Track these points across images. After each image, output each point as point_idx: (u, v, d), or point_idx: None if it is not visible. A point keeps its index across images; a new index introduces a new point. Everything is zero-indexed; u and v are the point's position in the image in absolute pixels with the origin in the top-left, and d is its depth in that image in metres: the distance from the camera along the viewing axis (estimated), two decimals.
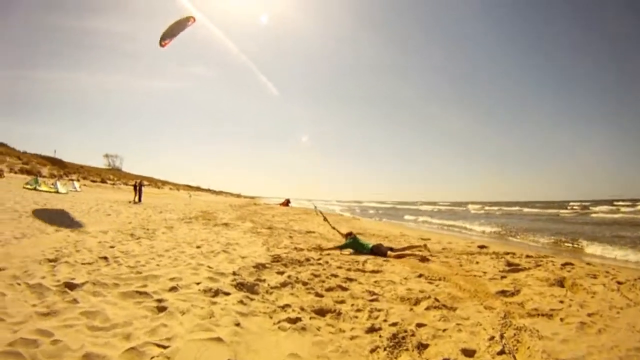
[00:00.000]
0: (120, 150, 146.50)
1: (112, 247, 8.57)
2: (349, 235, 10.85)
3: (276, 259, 8.43)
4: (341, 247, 10.24)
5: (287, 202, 54.52)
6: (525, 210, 62.71)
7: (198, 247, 9.35)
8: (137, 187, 30.89)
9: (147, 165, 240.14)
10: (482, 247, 12.14)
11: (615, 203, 66.97)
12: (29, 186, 30.01)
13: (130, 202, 28.39)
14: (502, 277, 7.28)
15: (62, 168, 61.81)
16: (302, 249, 10.22)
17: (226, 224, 16.04)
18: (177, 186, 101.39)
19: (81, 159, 78.47)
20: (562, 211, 56.47)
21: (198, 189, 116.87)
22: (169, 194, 64.96)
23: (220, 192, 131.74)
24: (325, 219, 17.17)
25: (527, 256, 9.92)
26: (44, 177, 46.28)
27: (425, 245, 10.53)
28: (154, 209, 23.67)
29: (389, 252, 9.55)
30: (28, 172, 46.44)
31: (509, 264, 8.67)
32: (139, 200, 29.76)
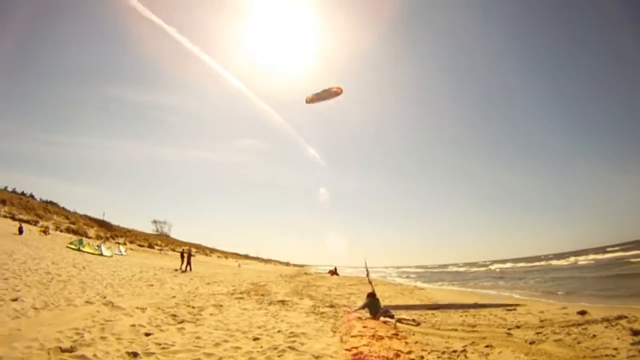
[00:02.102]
0: (169, 216, 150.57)
1: (147, 334, 6.98)
2: (370, 296, 12.10)
3: (358, 356, 6.56)
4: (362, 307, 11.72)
5: (334, 271, 52.70)
6: (581, 260, 56.07)
7: (256, 339, 7.57)
8: (187, 256, 30.01)
9: (196, 232, 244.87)
10: (582, 312, 10.97)
11: None
12: (72, 246, 29.94)
13: (176, 270, 27.36)
14: None
15: (109, 230, 63.36)
16: (381, 337, 8.28)
17: (283, 302, 14.19)
18: (226, 254, 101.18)
19: (130, 223, 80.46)
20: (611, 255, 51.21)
21: (246, 257, 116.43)
22: (217, 263, 64.34)
23: (268, 261, 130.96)
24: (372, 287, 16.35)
25: None
26: (90, 238, 47.07)
27: (414, 320, 10.87)
28: (201, 279, 22.34)
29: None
30: (74, 232, 47.50)
31: (634, 332, 7.58)
32: (189, 269, 28.67)
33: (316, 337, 8.22)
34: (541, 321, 10.28)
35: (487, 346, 7.42)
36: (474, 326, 10.02)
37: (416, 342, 7.92)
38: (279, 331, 8.51)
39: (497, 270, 63.83)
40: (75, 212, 67.16)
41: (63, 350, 5.32)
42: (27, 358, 4.82)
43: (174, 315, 9.12)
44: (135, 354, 5.57)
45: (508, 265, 75.65)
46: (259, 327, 8.80)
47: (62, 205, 68.38)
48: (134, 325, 7.46)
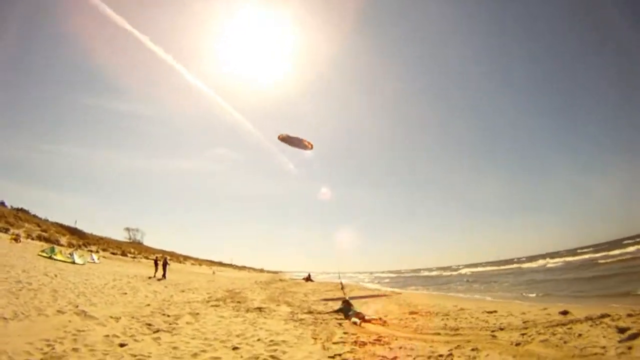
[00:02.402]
0: (142, 224, 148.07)
1: (122, 345, 6.89)
2: (344, 302, 14.18)
3: None
4: (337, 310, 13.50)
5: (309, 277, 52.79)
6: (551, 262, 57.24)
7: (235, 348, 7.54)
8: (163, 264, 29.75)
9: (169, 240, 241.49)
10: (564, 312, 10.97)
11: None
12: (44, 254, 29.21)
13: (150, 277, 26.98)
14: (629, 349, 6.44)
15: (81, 238, 61.84)
16: (364, 343, 8.35)
17: (260, 309, 14.09)
18: (199, 261, 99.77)
19: (102, 231, 78.82)
20: (583, 257, 52.32)
21: (220, 264, 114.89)
22: (191, 270, 63.42)
23: (243, 267, 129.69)
24: (344, 294, 19.51)
25: (629, 315, 8.81)
26: (62, 246, 45.94)
27: (381, 319, 12.22)
28: (175, 286, 22.06)
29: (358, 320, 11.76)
30: (46, 240, 46.26)
31: (620, 329, 7.65)
32: (163, 276, 28.30)
33: (297, 344, 8.19)
34: (524, 322, 10.30)
35: (473, 349, 7.39)
36: (456, 329, 9.98)
37: (400, 348, 7.86)
38: (258, 339, 8.47)
39: (468, 273, 64.46)
40: (47, 220, 65.41)
41: None
42: None
43: (149, 325, 9.00)
44: None
45: (479, 269, 76.08)
46: (237, 336, 8.75)
47: (33, 212, 66.79)
48: (107, 336, 7.34)
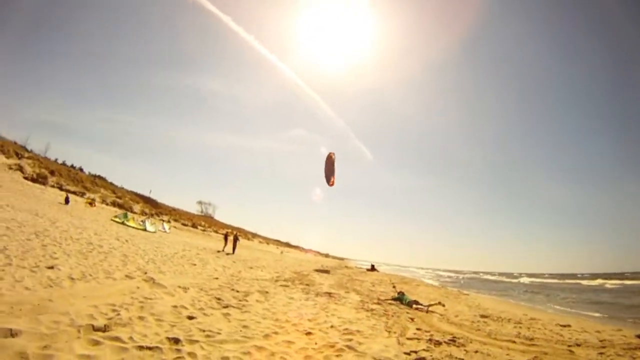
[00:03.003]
0: (214, 198, 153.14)
1: (190, 317, 6.29)
2: (399, 292, 15.35)
3: None
4: (394, 299, 14.20)
5: (373, 267, 51.84)
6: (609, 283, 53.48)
7: (308, 333, 6.77)
8: (233, 239, 29.81)
9: (238, 216, 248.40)
10: None
11: None
12: (117, 219, 30.36)
13: (219, 251, 27.10)
14: None
15: (154, 207, 64.54)
16: (439, 342, 7.65)
17: (329, 294, 13.36)
18: (267, 240, 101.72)
19: (175, 202, 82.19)
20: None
21: (287, 245, 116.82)
22: (259, 248, 64.46)
23: (309, 251, 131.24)
24: (393, 286, 21.70)
25: None
26: (135, 213, 47.93)
27: (440, 303, 14.02)
28: (243, 262, 21.91)
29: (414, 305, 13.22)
30: (120, 206, 48.51)
31: None
32: (233, 252, 28.43)
33: (372, 336, 7.42)
34: (600, 341, 9.70)
35: None
36: (531, 339, 9.25)
37: (476, 352, 7.15)
38: (331, 326, 7.73)
39: (528, 282, 62.91)
40: (122, 188, 68.90)
41: (95, 329, 4.68)
42: (53, 335, 4.19)
43: (219, 299, 8.45)
44: (176, 340, 4.86)
45: (538, 279, 75.65)
46: (309, 320, 8.02)
47: (110, 180, 70.49)
48: (175, 307, 6.80)
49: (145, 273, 9.93)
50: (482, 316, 13.26)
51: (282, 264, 29.17)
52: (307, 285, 15.34)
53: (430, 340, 7.74)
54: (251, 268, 19.36)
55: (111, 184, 67.42)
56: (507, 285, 54.58)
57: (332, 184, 14.07)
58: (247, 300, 8.97)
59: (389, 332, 8.09)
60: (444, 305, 13.89)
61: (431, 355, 6.48)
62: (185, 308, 6.86)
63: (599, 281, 57.87)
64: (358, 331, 7.64)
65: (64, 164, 63.37)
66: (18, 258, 7.93)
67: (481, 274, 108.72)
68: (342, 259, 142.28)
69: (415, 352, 6.58)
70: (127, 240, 17.14)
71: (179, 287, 8.97)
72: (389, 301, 13.89)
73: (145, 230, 30.24)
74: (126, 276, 8.88)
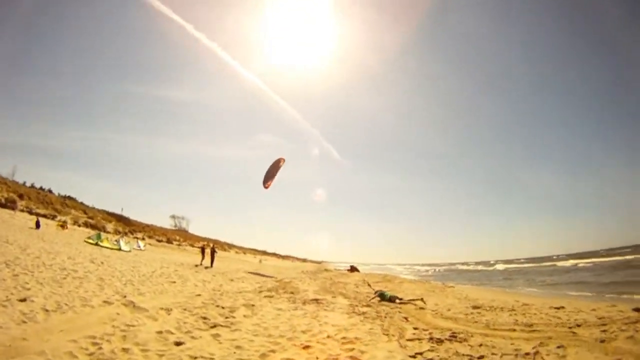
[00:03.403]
0: (187, 212, 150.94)
1: (178, 343, 5.96)
2: (377, 291, 15.90)
3: None
4: (378, 296, 14.66)
5: (353, 268, 51.93)
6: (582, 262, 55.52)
7: (306, 347, 6.53)
8: (211, 252, 29.33)
9: (213, 227, 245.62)
10: (638, 310, 10.51)
11: None
12: (90, 240, 29.46)
13: (197, 265, 26.59)
14: None
15: (127, 225, 63.19)
16: (441, 340, 7.51)
17: (317, 301, 13.10)
18: (244, 249, 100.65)
19: (148, 218, 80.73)
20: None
21: (264, 252, 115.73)
22: (237, 258, 63.68)
23: (286, 257, 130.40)
24: (368, 285, 22.28)
25: None
26: (108, 232, 46.77)
27: (422, 299, 14.26)
28: (223, 275, 21.48)
29: (397, 300, 13.98)
30: (92, 227, 47.27)
31: None
32: (211, 265, 27.91)
33: (372, 342, 7.22)
34: (599, 319, 9.57)
35: (559, 347, 6.63)
36: (530, 325, 9.12)
37: (480, 345, 7.01)
38: (328, 336, 7.49)
39: (504, 269, 64.41)
40: (94, 207, 67.18)
41: None
42: None
43: (205, 318, 8.11)
44: None
45: (514, 265, 77.16)
46: (303, 332, 7.76)
47: (80, 200, 68.70)
48: (160, 332, 6.44)
49: (125, 297, 9.50)
50: (474, 307, 13.16)
51: (263, 273, 28.74)
52: (292, 293, 15.05)
53: (431, 339, 7.59)
54: (232, 280, 18.95)
55: (82, 204, 65.74)
56: (485, 273, 55.79)
57: (267, 187, 14.23)
58: (234, 317, 8.66)
59: (388, 335, 7.89)
60: (424, 302, 13.92)
61: (438, 355, 6.34)
62: (171, 333, 6.51)
63: (574, 261, 59.05)
64: (357, 338, 7.41)
65: (32, 186, 61.55)
66: None
67: (457, 265, 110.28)
68: (320, 262, 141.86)
69: (421, 353, 6.43)
70: (102, 262, 16.53)
71: (161, 308, 8.60)
72: (374, 299, 14.32)
73: (120, 249, 29.42)
74: (104, 302, 8.45)
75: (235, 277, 21.02)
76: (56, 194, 65.70)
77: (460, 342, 7.40)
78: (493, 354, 6.46)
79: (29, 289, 8.36)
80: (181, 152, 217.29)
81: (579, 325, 8.68)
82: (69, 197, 66.36)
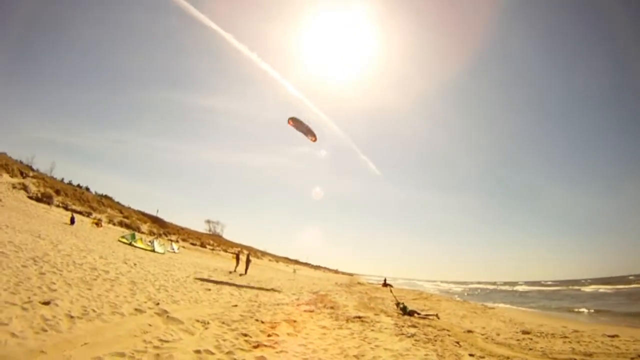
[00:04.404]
0: (222, 217, 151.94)
1: None
2: (399, 304, 16.02)
3: None
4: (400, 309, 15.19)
5: (385, 282, 50.54)
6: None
7: None
8: (246, 259, 28.79)
9: (247, 234, 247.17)
10: None
11: None
12: (124, 240, 29.23)
13: (231, 272, 25.91)
14: None
15: (162, 227, 63.53)
16: None
17: (360, 319, 12.00)
18: (277, 258, 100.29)
19: (183, 221, 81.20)
20: None
21: (296, 262, 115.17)
22: (270, 266, 63.09)
23: (318, 267, 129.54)
24: (392, 293, 22.25)
25: None
26: (143, 233, 46.87)
27: (437, 315, 15.18)
28: (258, 284, 20.61)
29: (415, 314, 14.62)
30: (127, 226, 47.52)
31: None
32: (245, 272, 27.26)
33: None
34: None
35: None
36: (590, 355, 8.64)
37: None
38: None
39: (527, 290, 64.27)
40: (129, 207, 67.97)
41: None
42: None
43: (245, 335, 7.20)
44: None
45: (536, 287, 76.32)
46: (356, 357, 6.77)
47: (117, 200, 69.65)
48: (198, 352, 5.56)
49: (157, 304, 8.71)
50: (524, 332, 12.37)
51: (297, 284, 27.84)
52: (332, 308, 14.04)
53: None
54: (267, 290, 18.10)
55: (118, 203, 66.63)
56: (519, 294, 53.58)
57: (289, 123, 14.24)
58: (277, 335, 7.72)
59: None
60: (439, 317, 14.89)
61: None
62: (211, 353, 5.63)
63: (596, 286, 57.11)
64: None
65: (70, 183, 62.75)
66: (8, 291, 6.71)
67: (484, 285, 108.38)
68: (351, 274, 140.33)
69: None
70: (135, 264, 15.96)
71: (197, 321, 7.76)
72: (396, 311, 15.43)
73: (153, 251, 29.15)
74: (136, 310, 7.66)
75: (270, 287, 20.17)
76: (93, 192, 66.83)
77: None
78: None
79: (54, 290, 7.64)
80: (219, 158, 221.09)
81: None
82: (106, 196, 67.36)
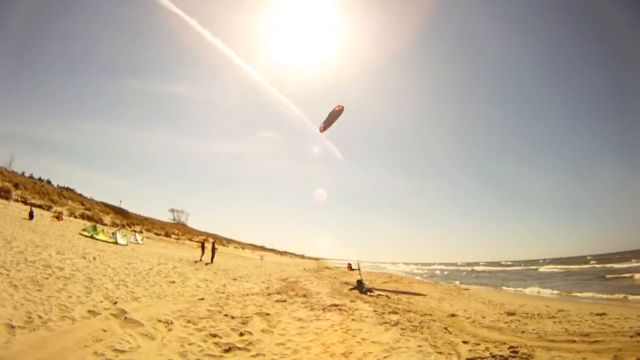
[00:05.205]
0: (186, 206, 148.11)
1: None
2: (358, 281, 18.53)
3: None
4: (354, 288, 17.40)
5: (351, 266, 50.37)
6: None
7: None
8: (212, 248, 27.66)
9: (212, 222, 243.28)
10: None
11: None
12: (86, 233, 27.52)
13: (196, 261, 24.74)
14: None
15: (125, 218, 60.95)
16: (505, 358, 6.28)
17: (337, 307, 11.23)
18: (243, 245, 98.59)
19: (146, 212, 78.44)
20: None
21: (262, 248, 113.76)
22: (236, 254, 61.72)
23: (284, 253, 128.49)
24: (360, 273, 21.92)
25: None
26: (105, 225, 44.78)
27: (387, 296, 15.74)
28: (225, 273, 19.70)
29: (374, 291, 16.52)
30: (89, 218, 45.16)
31: None
32: (211, 261, 26.16)
33: None
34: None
35: None
36: (586, 335, 8.17)
37: None
38: None
39: (488, 271, 65.67)
40: (92, 199, 64.98)
41: None
42: None
43: (215, 336, 6.33)
44: None
45: (495, 267, 78.37)
46: (344, 356, 6.00)
47: (79, 192, 66.46)
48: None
49: (115, 303, 7.71)
50: (509, 314, 12.22)
51: (265, 271, 26.99)
52: (305, 296, 13.27)
53: (493, 356, 6.17)
54: (235, 280, 17.17)
55: (80, 195, 63.50)
56: (486, 274, 54.38)
57: (322, 131, 15.00)
58: (250, 333, 6.87)
59: (443, 354, 6.32)
60: (389, 297, 15.32)
61: None
62: None
63: (561, 266, 58.77)
64: None
65: (31, 176, 59.37)
66: None
67: (445, 265, 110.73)
68: (317, 259, 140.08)
69: None
70: (94, 258, 14.68)
71: (159, 321, 6.85)
72: (353, 289, 17.23)
73: (116, 243, 27.54)
74: (89, 312, 6.66)
75: (237, 276, 19.22)
76: (55, 185, 63.59)
77: (527, 359, 6.09)
78: None
79: None
80: (181, 146, 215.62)
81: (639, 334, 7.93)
82: (67, 188, 64.17)
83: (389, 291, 17.50)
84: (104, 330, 5.70)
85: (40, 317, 5.78)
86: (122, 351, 4.89)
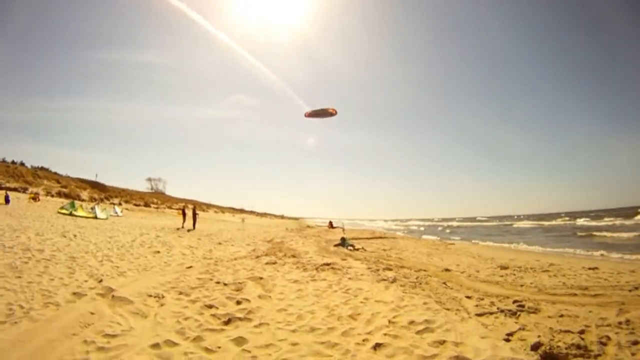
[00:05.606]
0: (163, 174, 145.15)
1: None
2: (342, 238, 19.68)
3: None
4: (339, 244, 18.21)
5: (332, 224, 50.40)
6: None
7: (377, 345, 4.49)
8: (192, 214, 26.92)
9: (190, 189, 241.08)
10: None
11: None
12: (64, 211, 26.62)
13: (178, 229, 24.21)
14: None
15: (103, 191, 59.49)
16: (514, 313, 6.10)
17: (330, 266, 10.93)
18: (222, 209, 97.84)
19: (124, 183, 76.44)
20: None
21: (242, 211, 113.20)
22: (216, 218, 61.26)
23: (264, 214, 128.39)
24: (344, 231, 24.84)
25: None
26: (83, 200, 43.58)
27: (362, 248, 17.75)
28: (209, 238, 19.26)
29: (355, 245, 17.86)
30: (66, 196, 43.88)
31: None
32: (193, 227, 25.62)
33: (451, 326, 5.21)
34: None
35: None
36: (586, 289, 8.05)
37: (561, 316, 5.74)
38: (390, 321, 5.47)
39: (462, 226, 67.29)
40: (67, 176, 62.93)
41: None
42: None
43: (210, 307, 5.94)
44: None
45: (469, 223, 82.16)
46: (352, 318, 5.65)
47: (53, 170, 64.24)
48: (157, 346, 4.26)
49: (100, 281, 7.24)
50: (502, 267, 12.14)
51: (248, 233, 26.58)
52: (294, 257, 12.96)
53: (501, 311, 5.99)
54: (220, 244, 16.77)
55: (55, 173, 61.34)
56: (464, 229, 55.64)
57: (306, 116, 15.29)
58: (247, 300, 6.48)
59: (451, 310, 6.10)
60: (365, 250, 17.16)
61: (539, 335, 4.72)
62: (174, 344, 4.32)
63: (533, 222, 60.48)
64: (427, 322, 5.35)
65: (3, 161, 56.93)
66: None
67: (422, 221, 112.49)
68: (297, 219, 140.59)
69: (512, 333, 4.89)
70: (75, 235, 14.05)
71: (149, 295, 6.41)
72: (337, 245, 18.38)
73: (96, 217, 26.71)
74: (74, 294, 6.17)
75: (222, 240, 18.80)
76: (29, 166, 61.25)
77: (535, 312, 5.91)
78: (586, 325, 5.15)
79: None
80: (155, 115, 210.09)
81: (637, 288, 7.90)
82: (42, 168, 61.92)
83: (367, 238, 20.09)
84: (92, 313, 5.25)
85: (21, 306, 5.29)
86: (114, 335, 4.46)
